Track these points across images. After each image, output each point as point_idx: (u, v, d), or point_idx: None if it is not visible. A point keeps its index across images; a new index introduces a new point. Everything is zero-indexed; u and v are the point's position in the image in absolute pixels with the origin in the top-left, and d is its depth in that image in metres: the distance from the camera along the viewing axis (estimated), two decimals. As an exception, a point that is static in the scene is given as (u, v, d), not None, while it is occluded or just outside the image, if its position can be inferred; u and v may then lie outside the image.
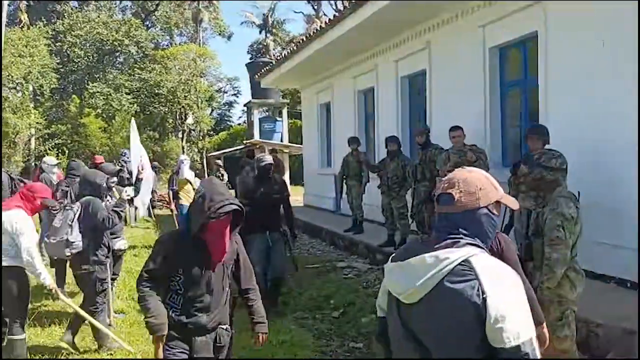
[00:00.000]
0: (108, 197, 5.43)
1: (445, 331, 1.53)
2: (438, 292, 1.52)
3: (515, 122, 7.39)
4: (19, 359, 4.35)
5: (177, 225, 9.87)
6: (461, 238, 1.61)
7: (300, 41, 11.94)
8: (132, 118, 10.75)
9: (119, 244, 5.81)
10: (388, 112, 10.14)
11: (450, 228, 1.64)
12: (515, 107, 7.39)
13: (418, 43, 8.99)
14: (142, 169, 6.64)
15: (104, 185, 5.01)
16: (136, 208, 11.18)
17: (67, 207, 4.57)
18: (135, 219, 12.87)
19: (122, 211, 5.01)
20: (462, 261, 1.53)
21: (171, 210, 10.25)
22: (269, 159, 5.52)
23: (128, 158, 9.07)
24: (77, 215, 4.47)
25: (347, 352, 4.81)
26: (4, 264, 4.22)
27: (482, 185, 1.67)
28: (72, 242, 4.39)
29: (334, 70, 12.41)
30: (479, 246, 1.62)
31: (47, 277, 4.36)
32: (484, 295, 1.48)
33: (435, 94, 8.67)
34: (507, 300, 1.50)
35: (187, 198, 9.82)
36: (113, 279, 5.95)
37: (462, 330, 1.50)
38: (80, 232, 4.49)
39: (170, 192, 10.05)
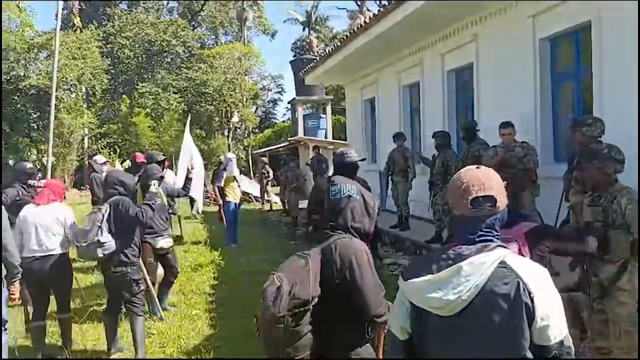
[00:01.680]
0: (147, 197, 5.13)
1: (496, 336, 1.49)
2: (483, 299, 1.49)
3: (568, 116, 7.15)
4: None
5: (224, 221, 10.02)
6: (491, 240, 1.59)
7: (345, 37, 11.90)
8: (189, 116, 10.95)
9: (162, 242, 5.67)
10: (434, 106, 9.99)
11: (479, 231, 1.61)
12: (568, 100, 7.15)
13: (465, 36, 8.82)
14: (192, 168, 6.78)
15: (134, 186, 4.88)
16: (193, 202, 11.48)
17: (94, 210, 4.51)
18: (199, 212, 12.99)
19: (153, 204, 4.74)
20: (499, 263, 1.51)
21: (218, 206, 10.42)
22: (354, 155, 4.67)
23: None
24: (105, 216, 4.36)
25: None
26: (59, 252, 4.68)
27: (503, 184, 1.68)
28: (104, 243, 4.30)
29: (378, 66, 12.32)
30: (504, 246, 1.60)
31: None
32: (531, 295, 1.48)
33: (483, 88, 8.49)
34: (549, 297, 1.51)
35: (232, 195, 9.97)
36: (174, 275, 6.12)
37: (513, 333, 1.47)
38: (110, 233, 4.37)
39: (217, 189, 10.22)
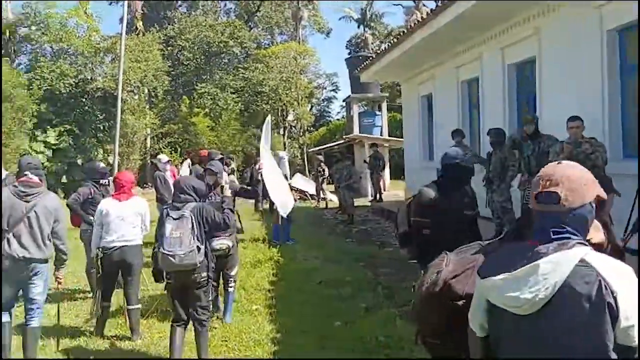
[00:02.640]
0: (214, 196, 5.29)
1: (576, 336, 1.45)
2: (562, 298, 1.45)
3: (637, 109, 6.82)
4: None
5: (279, 218, 10.10)
6: (568, 238, 1.54)
7: (401, 33, 11.81)
8: (269, 116, 11.05)
9: (216, 244, 5.25)
10: (494, 102, 9.76)
11: (554, 228, 1.57)
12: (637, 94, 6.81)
13: (526, 29, 8.57)
14: (259, 169, 6.91)
15: (205, 190, 4.86)
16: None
17: (183, 215, 4.21)
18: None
19: (231, 209, 4.75)
20: (579, 261, 1.47)
21: (270, 204, 10.48)
22: (460, 153, 4.06)
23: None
24: (194, 223, 4.20)
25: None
26: (137, 242, 5.25)
27: (585, 181, 1.61)
28: (200, 249, 4.19)
29: (435, 61, 12.15)
30: (584, 243, 1.55)
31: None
32: (614, 294, 1.43)
33: (545, 82, 8.22)
34: (632, 296, 1.45)
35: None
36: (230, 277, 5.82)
37: (595, 333, 1.43)
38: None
39: None
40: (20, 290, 4.49)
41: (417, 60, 12.53)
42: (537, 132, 6.76)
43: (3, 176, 6.19)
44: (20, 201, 4.41)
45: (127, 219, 5.22)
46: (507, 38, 9.22)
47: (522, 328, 1.54)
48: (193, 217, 4.20)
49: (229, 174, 8.84)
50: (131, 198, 5.35)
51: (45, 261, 4.53)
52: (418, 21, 10.24)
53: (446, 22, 8.99)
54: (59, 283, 4.84)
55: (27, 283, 4.42)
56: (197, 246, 4.14)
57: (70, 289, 7.11)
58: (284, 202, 8.55)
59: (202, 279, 4.27)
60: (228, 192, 4.96)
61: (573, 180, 1.60)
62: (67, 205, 6.07)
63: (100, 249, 5.18)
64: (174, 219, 4.20)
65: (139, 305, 5.38)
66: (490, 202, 7.66)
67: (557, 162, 1.69)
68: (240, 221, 10.20)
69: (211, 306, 4.61)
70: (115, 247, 5.14)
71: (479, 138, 10.54)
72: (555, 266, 1.47)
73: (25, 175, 4.59)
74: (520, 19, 8.60)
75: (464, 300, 2.08)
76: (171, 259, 4.08)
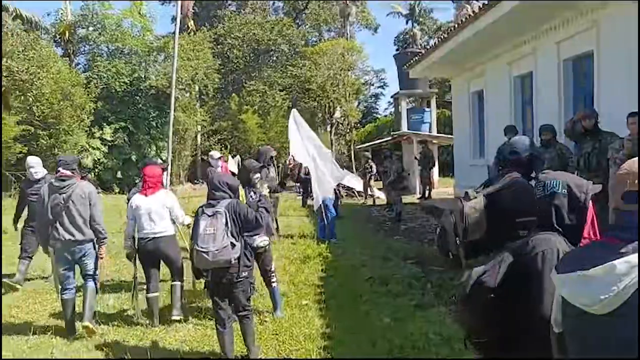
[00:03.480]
0: (252, 194, 5.24)
1: None
2: (637, 300, 1.41)
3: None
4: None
5: (323, 215, 10.12)
6: None
7: (451, 28, 11.64)
8: (294, 109, 10.97)
9: (258, 241, 5.32)
10: (548, 98, 9.50)
11: (634, 227, 1.51)
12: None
13: (584, 23, 8.30)
14: (289, 164, 6.92)
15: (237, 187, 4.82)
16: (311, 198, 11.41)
17: (217, 212, 4.18)
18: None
19: (267, 208, 4.75)
20: None
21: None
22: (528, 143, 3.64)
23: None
24: (228, 220, 4.16)
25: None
26: (167, 233, 5.56)
27: None
28: (235, 246, 4.14)
29: (487, 57, 11.92)
30: None
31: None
32: None
33: (603, 78, 7.94)
34: None
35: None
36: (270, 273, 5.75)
37: None
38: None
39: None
40: (77, 267, 5.45)
41: (468, 56, 12.33)
42: (597, 128, 6.52)
43: (41, 175, 7.12)
44: (58, 194, 5.29)
45: (155, 212, 5.49)
46: (562, 32, 8.95)
47: (594, 327, 1.51)
48: (227, 214, 4.16)
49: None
50: (157, 192, 5.59)
51: (90, 241, 5.39)
52: (469, 16, 10.06)
53: (499, 16, 8.82)
54: (101, 258, 5.56)
55: (80, 262, 5.40)
56: (231, 242, 4.09)
57: (125, 280, 7.39)
58: (320, 193, 8.76)
59: (239, 277, 4.22)
60: (265, 191, 4.93)
61: None
62: (128, 199, 6.32)
63: (137, 242, 5.58)
64: (208, 215, 4.18)
65: (179, 283, 5.69)
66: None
67: None
68: (277, 222, 10.13)
69: (251, 303, 4.58)
70: (147, 238, 5.50)
71: (532, 135, 10.28)
72: (632, 267, 1.42)
73: (59, 171, 5.42)
74: (577, 12, 8.34)
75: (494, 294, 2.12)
76: (205, 255, 4.06)
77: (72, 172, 5.47)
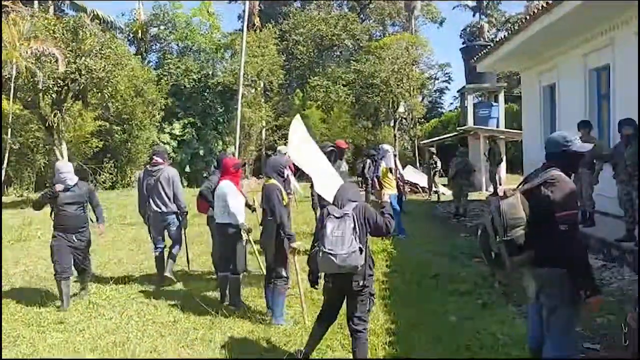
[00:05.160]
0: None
1: None
2: None
3: None
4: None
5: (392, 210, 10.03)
6: None
7: (522, 20, 11.26)
8: (297, 115, 11.03)
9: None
10: (628, 91, 9.01)
11: None
12: None
13: (668, 10, 7.82)
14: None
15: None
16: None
17: (346, 215, 3.95)
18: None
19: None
20: None
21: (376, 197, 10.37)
22: (566, 137, 3.46)
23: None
24: (354, 222, 3.93)
25: (582, 352, 4.47)
26: (222, 221, 5.81)
27: None
28: (362, 251, 3.85)
29: (560, 49, 11.45)
30: None
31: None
32: None
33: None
34: None
35: (389, 186, 9.96)
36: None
37: None
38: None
39: (376, 179, 10.18)
40: (165, 232, 7.05)
41: (539, 49, 11.88)
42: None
43: (73, 182, 6.48)
44: (150, 176, 6.95)
45: (218, 201, 5.87)
46: (644, 21, 8.47)
47: None
48: (355, 217, 3.93)
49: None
50: (222, 181, 5.92)
51: (173, 213, 6.96)
52: (542, 7, 9.69)
53: (574, 7, 8.45)
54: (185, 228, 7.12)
55: (166, 227, 7.03)
56: (360, 247, 3.82)
57: (197, 271, 7.67)
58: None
59: (361, 285, 3.94)
60: (387, 197, 4.63)
61: None
62: (200, 192, 6.62)
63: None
64: (336, 217, 3.94)
65: (237, 276, 5.84)
66: (626, 199, 7.10)
67: None
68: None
69: (369, 317, 4.25)
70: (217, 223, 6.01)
71: (608, 131, 9.81)
72: None
73: (153, 158, 7.15)
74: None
75: None
76: (332, 258, 3.79)
77: (163, 160, 7.09)
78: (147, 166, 7.29)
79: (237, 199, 5.81)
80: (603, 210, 8.86)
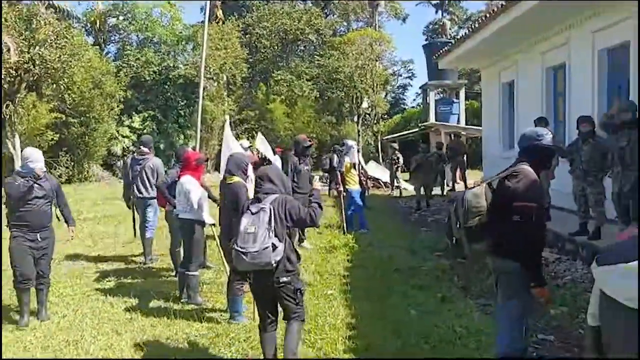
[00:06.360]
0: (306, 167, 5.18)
1: None
2: None
3: None
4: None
5: (342, 207, 10.04)
6: None
7: (482, 18, 11.43)
8: (227, 116, 11.22)
9: None
10: (582, 89, 9.27)
11: None
12: None
13: (621, 12, 8.04)
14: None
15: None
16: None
17: (262, 209, 3.76)
18: None
19: (319, 203, 4.08)
20: None
21: (339, 192, 10.36)
22: (540, 132, 3.53)
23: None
24: (272, 217, 3.72)
25: (536, 343, 4.57)
26: (183, 217, 5.75)
27: None
28: (277, 247, 3.65)
29: (519, 47, 11.68)
30: None
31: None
32: None
33: (641, 68, 7.70)
34: None
35: (352, 182, 10.02)
36: None
37: None
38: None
39: (339, 174, 10.22)
40: (144, 214, 7.70)
41: (499, 47, 12.09)
42: (635, 122, 6.31)
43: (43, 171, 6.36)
44: (137, 164, 7.70)
45: (180, 197, 5.81)
46: (598, 22, 8.70)
47: (632, 322, 1.47)
48: (273, 211, 3.72)
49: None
50: (182, 177, 5.84)
51: (153, 198, 7.51)
52: (502, 5, 9.85)
53: (532, 5, 8.61)
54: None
55: (145, 210, 7.69)
56: (273, 244, 3.62)
57: (156, 267, 7.53)
58: None
59: (279, 282, 3.74)
60: (317, 185, 4.36)
61: None
62: (156, 187, 6.49)
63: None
64: (252, 213, 3.75)
65: (196, 273, 5.81)
66: (579, 194, 7.28)
67: None
68: None
69: (303, 310, 4.00)
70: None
71: (564, 127, 10.07)
72: None
73: (139, 148, 7.97)
74: (613, 1, 8.09)
75: None
76: (243, 256, 3.64)
77: (149, 150, 7.85)
78: (134, 155, 8.10)
79: (199, 194, 5.69)
80: (559, 205, 9.09)
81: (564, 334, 4.76)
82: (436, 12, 41.35)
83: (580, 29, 9.29)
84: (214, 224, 5.77)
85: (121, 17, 29.53)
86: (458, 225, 3.43)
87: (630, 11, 7.80)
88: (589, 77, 9.05)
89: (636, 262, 1.43)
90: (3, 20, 15.88)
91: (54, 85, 18.43)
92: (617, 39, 8.36)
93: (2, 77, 16.05)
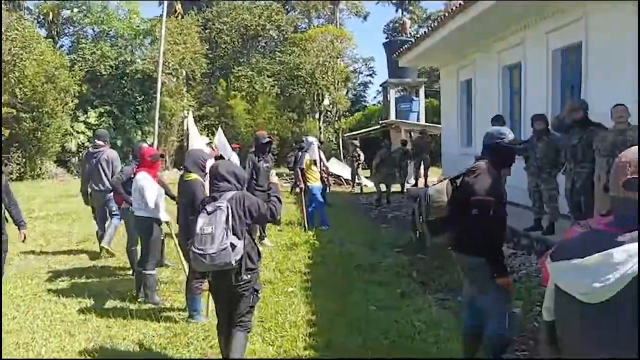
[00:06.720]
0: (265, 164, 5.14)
1: None
2: (632, 290, 1.38)
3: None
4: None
5: (303, 204, 10.02)
6: None
7: (441, 18, 11.59)
8: (190, 112, 11.16)
9: None
10: (536, 88, 9.51)
11: (637, 216, 1.48)
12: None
13: (573, 14, 8.28)
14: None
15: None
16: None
17: (219, 208, 3.61)
18: None
19: (279, 198, 4.02)
20: None
21: (300, 189, 10.33)
22: (504, 132, 3.63)
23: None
24: (229, 216, 3.59)
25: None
26: (139, 214, 5.64)
27: None
28: (236, 247, 3.54)
29: (477, 46, 11.89)
30: None
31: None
32: None
33: (592, 69, 7.95)
34: None
35: (313, 178, 10.02)
36: None
37: None
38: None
39: (299, 171, 10.18)
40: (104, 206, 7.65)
41: (457, 45, 12.29)
42: (586, 120, 6.52)
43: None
44: (92, 158, 7.68)
45: (135, 194, 5.72)
46: (552, 23, 8.94)
47: (587, 317, 1.49)
48: (230, 209, 3.59)
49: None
50: (138, 174, 5.76)
51: (110, 191, 7.18)
52: (459, 5, 10.00)
53: (488, 6, 8.78)
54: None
55: (106, 204, 7.63)
56: (232, 243, 3.52)
57: (112, 266, 7.34)
58: None
59: (239, 281, 3.63)
60: (275, 179, 4.29)
61: None
62: (111, 184, 6.33)
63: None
64: (208, 212, 3.61)
65: (154, 272, 5.70)
66: (534, 190, 7.47)
67: None
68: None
69: (252, 315, 3.92)
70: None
71: (520, 125, 10.31)
72: (630, 256, 1.39)
73: (95, 142, 7.95)
74: (567, 3, 8.32)
75: None
76: (201, 259, 3.53)
77: (104, 143, 7.83)
78: (90, 148, 8.15)
79: (155, 191, 5.57)
80: (514, 201, 9.31)
81: (519, 327, 4.86)
82: (396, 10, 41.77)
83: (534, 29, 9.52)
84: (168, 222, 5.69)
85: (75, 10, 28.66)
86: (421, 220, 3.55)
87: (582, 13, 8.05)
88: (543, 77, 9.29)
89: (589, 257, 1.45)
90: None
91: (4, 79, 17.70)
92: (570, 39, 8.60)
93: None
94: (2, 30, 13.92)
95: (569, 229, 2.74)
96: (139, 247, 6.08)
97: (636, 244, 1.40)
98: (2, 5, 16.41)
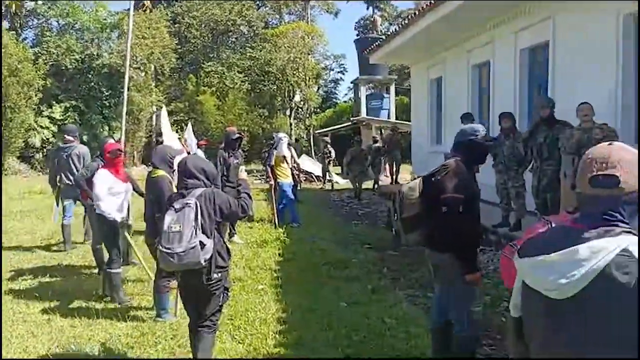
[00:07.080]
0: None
1: (609, 328, 1.39)
2: (598, 286, 1.39)
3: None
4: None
5: (273, 201, 9.98)
6: (616, 225, 1.46)
7: (411, 15, 11.66)
8: (163, 107, 11.08)
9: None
10: (505, 87, 9.66)
11: (603, 213, 1.49)
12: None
13: (541, 13, 8.43)
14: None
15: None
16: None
17: (187, 205, 3.48)
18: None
19: (249, 194, 3.94)
20: (621, 250, 1.39)
21: (270, 186, 10.27)
22: (477, 130, 3.64)
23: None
24: (198, 213, 3.46)
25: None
26: (98, 211, 5.49)
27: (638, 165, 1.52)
28: (205, 245, 3.42)
29: (446, 44, 12.00)
30: (632, 232, 1.46)
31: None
32: None
33: (559, 68, 8.11)
34: None
35: (283, 175, 9.98)
36: None
37: (630, 327, 1.36)
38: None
39: (269, 168, 10.12)
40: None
41: (428, 43, 12.38)
42: (553, 118, 6.63)
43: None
44: (62, 153, 7.76)
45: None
46: (520, 22, 9.08)
47: (554, 313, 1.49)
48: (198, 206, 3.46)
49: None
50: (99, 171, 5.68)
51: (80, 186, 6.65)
52: (430, 3, 10.08)
53: (458, 5, 8.86)
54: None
55: (77, 198, 7.61)
56: (201, 242, 3.40)
57: (77, 264, 7.17)
58: None
59: (209, 280, 3.52)
60: (244, 175, 4.23)
61: (629, 162, 1.50)
62: (74, 180, 6.18)
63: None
64: (176, 209, 3.48)
65: (117, 270, 5.57)
66: (501, 187, 7.57)
67: (608, 143, 1.59)
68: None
69: (220, 314, 3.85)
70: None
71: (489, 123, 10.45)
72: (595, 253, 1.40)
73: (64, 137, 8.01)
74: (535, 2, 8.46)
75: None
76: (170, 258, 3.40)
77: (74, 138, 7.91)
78: (60, 144, 8.27)
79: (103, 189, 5.45)
80: (483, 198, 9.43)
81: (486, 322, 4.92)
82: (367, 8, 41.84)
83: (503, 28, 9.65)
84: (121, 221, 5.56)
85: (40, 2, 27.91)
86: (396, 217, 3.60)
87: (549, 12, 8.19)
88: (511, 75, 9.44)
89: (555, 254, 1.46)
90: None
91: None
92: (537, 38, 8.75)
93: None
94: (2, 31, 13.49)
95: (530, 227, 2.77)
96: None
97: (602, 240, 1.41)
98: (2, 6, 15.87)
